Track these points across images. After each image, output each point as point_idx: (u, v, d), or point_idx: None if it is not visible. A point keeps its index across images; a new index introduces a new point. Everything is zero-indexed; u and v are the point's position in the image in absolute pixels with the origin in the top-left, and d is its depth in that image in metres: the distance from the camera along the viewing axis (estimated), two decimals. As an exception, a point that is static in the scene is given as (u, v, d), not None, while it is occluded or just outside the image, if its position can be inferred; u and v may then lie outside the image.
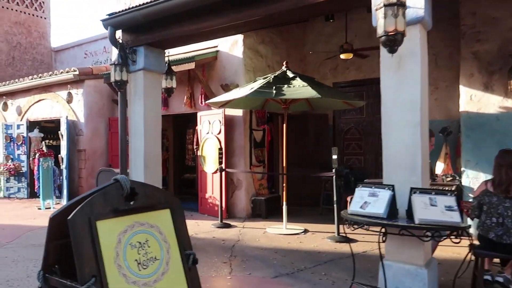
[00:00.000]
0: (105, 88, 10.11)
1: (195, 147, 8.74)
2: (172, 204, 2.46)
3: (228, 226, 7.15)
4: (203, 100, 8.38)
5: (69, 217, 1.84)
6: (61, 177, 9.71)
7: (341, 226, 6.08)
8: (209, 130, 8.23)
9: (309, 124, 9.16)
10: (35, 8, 16.22)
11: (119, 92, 5.60)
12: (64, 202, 9.55)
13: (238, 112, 8.03)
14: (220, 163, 7.44)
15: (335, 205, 6.11)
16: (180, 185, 11.58)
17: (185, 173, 11.64)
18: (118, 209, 2.14)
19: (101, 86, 10.03)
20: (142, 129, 5.48)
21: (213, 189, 8.18)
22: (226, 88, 8.00)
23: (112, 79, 5.29)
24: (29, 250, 5.56)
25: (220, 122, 7.95)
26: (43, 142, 9.49)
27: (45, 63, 16.33)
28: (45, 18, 16.63)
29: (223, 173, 7.57)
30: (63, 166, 9.53)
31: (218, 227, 7.08)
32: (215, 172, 8.03)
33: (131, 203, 2.14)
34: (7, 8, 15.29)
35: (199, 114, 8.54)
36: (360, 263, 4.89)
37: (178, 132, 11.52)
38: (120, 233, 2.19)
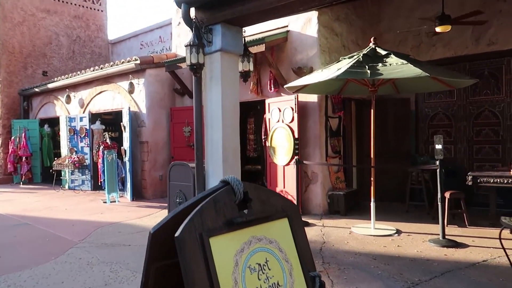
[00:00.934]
0: (166, 77, 9.71)
1: (263, 137, 8.09)
2: (289, 211, 1.84)
3: (306, 224, 6.46)
4: (272, 86, 7.69)
5: (176, 234, 1.38)
6: (124, 170, 9.49)
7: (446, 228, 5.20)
8: (279, 118, 7.54)
9: (389, 109, 8.20)
10: (93, 1, 16.27)
11: (194, 78, 5.02)
12: (127, 195, 9.32)
13: (312, 98, 7.27)
14: (296, 154, 6.75)
15: (439, 203, 5.21)
16: (241, 178, 11.01)
17: (247, 165, 11.07)
18: (233, 221, 1.56)
19: (162, 75, 9.64)
20: (220, 118, 4.89)
21: (284, 183, 7.51)
22: (299, 71, 7.25)
23: (188, 63, 4.72)
24: (102, 250, 5.19)
25: (292, 109, 7.23)
26: (106, 134, 9.28)
27: (102, 55, 16.40)
28: (101, 11, 16.67)
29: (299, 166, 6.88)
30: (126, 158, 9.28)
31: (295, 226, 6.40)
32: (287, 164, 7.36)
33: (245, 211, 1.60)
34: (67, 2, 15.43)
35: (267, 101, 7.87)
36: (487, 275, 4.02)
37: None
38: (237, 252, 1.63)
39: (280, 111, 7.55)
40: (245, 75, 5.38)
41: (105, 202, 8.91)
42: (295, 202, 7.14)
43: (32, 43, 14.44)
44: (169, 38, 13.89)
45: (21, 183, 12.88)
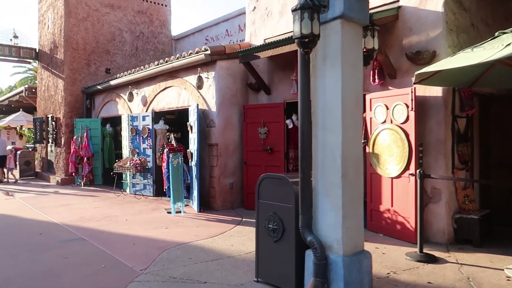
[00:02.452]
0: (239, 69, 8.43)
1: (361, 141, 6.47)
2: None
3: (433, 259, 4.79)
4: (376, 77, 6.09)
5: None
6: (189, 175, 8.33)
7: None
8: (387, 117, 5.93)
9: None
10: (156, -5, 15.56)
11: (300, 59, 3.56)
12: (194, 205, 8.14)
13: (433, 91, 5.58)
14: (421, 164, 5.10)
15: None
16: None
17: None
18: None
19: (234, 68, 8.37)
20: (339, 116, 3.40)
21: (392, 200, 5.88)
22: (416, 57, 5.60)
23: (296, 34, 3.29)
24: (170, 288, 3.92)
25: (407, 106, 5.58)
26: (172, 135, 8.16)
27: (165, 52, 15.62)
28: (165, 6, 15.91)
29: (414, 179, 5.25)
30: (193, 162, 8.11)
31: (418, 261, 4.77)
32: (398, 176, 5.73)
33: None
34: (131, -4, 14.81)
35: (368, 96, 6.28)
36: None
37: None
38: None
39: (387, 108, 5.92)
40: (367, 56, 3.88)
41: (169, 213, 7.78)
42: (409, 225, 5.49)
43: (96, 39, 13.92)
44: (237, 31, 12.71)
45: (82, 184, 12.29)
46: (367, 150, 6.31)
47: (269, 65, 8.14)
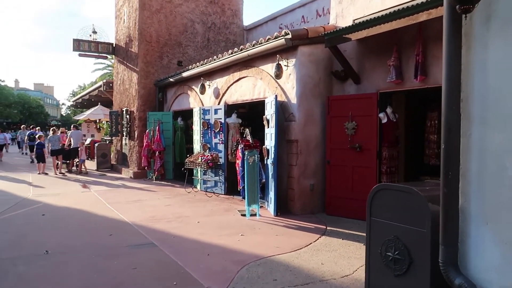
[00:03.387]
0: (322, 56, 7.43)
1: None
2: None
3: None
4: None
5: None
6: (264, 174, 7.52)
7: None
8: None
9: None
10: (228, -16, 14.98)
11: (447, 25, 2.50)
12: (270, 207, 7.32)
13: None
14: None
15: None
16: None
17: (423, 175, 8.17)
18: None
19: (317, 54, 7.38)
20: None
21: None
22: None
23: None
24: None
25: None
26: (247, 130, 7.41)
27: (237, 43, 14.98)
28: (237, -6, 15.29)
29: None
30: (269, 160, 7.28)
31: None
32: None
33: None
34: (203, -14, 14.37)
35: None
36: None
37: (410, 116, 8.04)
38: None
39: None
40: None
41: (244, 215, 7.05)
42: None
43: (168, 31, 13.66)
44: (314, 17, 11.64)
45: (154, 179, 12.10)
46: None
47: (359, 50, 7.02)
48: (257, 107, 10.62)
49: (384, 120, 6.68)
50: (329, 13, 11.13)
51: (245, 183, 6.90)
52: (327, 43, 6.66)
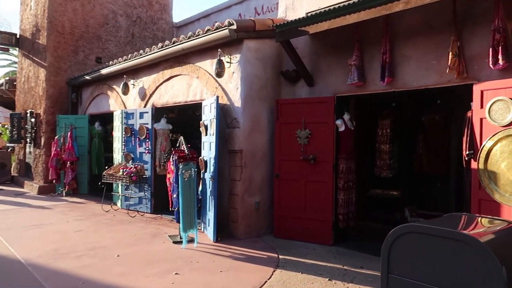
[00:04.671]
0: (270, 53, 6.44)
1: (465, 152, 4.52)
2: None
3: None
4: (498, 57, 4.11)
5: None
6: (200, 191, 6.29)
7: None
8: (510, 117, 3.98)
9: None
10: (157, -25, 13.51)
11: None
12: (208, 231, 6.09)
13: None
14: None
15: None
16: (365, 206, 7.50)
17: (374, 189, 7.55)
18: None
19: (264, 51, 6.37)
20: None
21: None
22: None
23: None
24: None
25: (558, 101, 3.63)
26: (182, 137, 6.12)
27: (166, 41, 13.52)
28: (166, -13, 13.87)
29: None
30: (208, 174, 6.08)
31: None
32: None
33: None
34: (127, -26, 12.73)
35: (477, 87, 4.33)
36: None
37: (359, 123, 7.32)
38: None
39: (514, 104, 3.97)
40: None
41: (176, 242, 5.75)
42: None
43: (85, 22, 11.79)
44: (252, 16, 10.69)
45: (64, 194, 10.16)
46: (475, 166, 4.35)
47: (313, 48, 6.14)
48: (188, 111, 9.34)
49: (342, 128, 5.86)
50: (270, 12, 10.30)
51: (180, 204, 5.60)
52: (279, 37, 5.67)
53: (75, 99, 11.30)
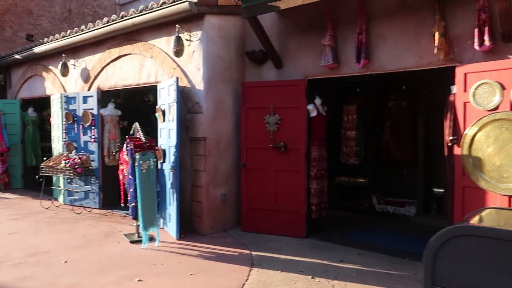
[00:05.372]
0: (234, 32, 5.90)
1: (448, 138, 4.33)
2: None
3: None
4: (483, 38, 3.93)
5: None
6: (160, 184, 5.66)
7: None
8: (501, 102, 3.84)
9: None
10: None
11: None
12: (170, 227, 5.52)
13: None
14: None
15: None
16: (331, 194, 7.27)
17: (339, 176, 7.36)
18: None
19: (228, 29, 5.80)
20: None
21: None
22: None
23: None
24: None
25: (549, 84, 3.51)
26: (137, 124, 5.40)
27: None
28: (108, -41, 12.63)
29: None
30: (167, 165, 5.49)
31: None
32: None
33: None
34: None
35: (461, 69, 4.14)
36: None
37: (329, 107, 6.99)
38: None
39: (504, 88, 3.82)
40: None
41: (134, 242, 5.12)
42: None
43: (13, -6, 10.36)
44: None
45: (-6, 190, 8.95)
46: (458, 152, 4.18)
47: (282, 27, 5.68)
48: (135, 96, 8.46)
49: (314, 114, 5.50)
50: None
51: (138, 198, 4.94)
52: (246, 13, 5.12)
53: (2, 81, 9.93)
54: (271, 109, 5.53)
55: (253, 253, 4.80)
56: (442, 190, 6.18)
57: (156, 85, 6.03)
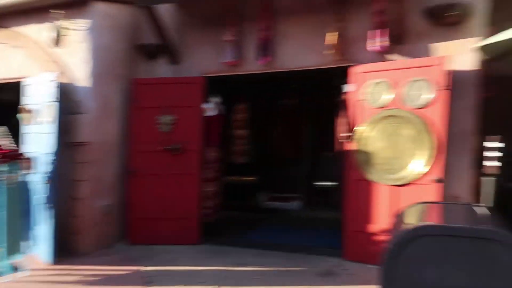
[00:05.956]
0: (125, 22, 5.29)
1: (341, 134, 4.45)
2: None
3: None
4: (378, 39, 4.15)
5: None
6: (28, 200, 4.68)
7: None
8: (392, 100, 4.07)
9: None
10: None
11: None
12: (42, 250, 4.57)
13: (458, 64, 3.98)
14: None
15: None
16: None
17: (230, 175, 7.19)
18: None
19: (118, 19, 5.18)
20: None
21: (399, 220, 4.02)
22: (444, 15, 3.90)
23: None
24: None
25: (433, 83, 3.84)
26: (3, 128, 4.38)
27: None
28: None
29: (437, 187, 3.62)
30: (40, 176, 4.57)
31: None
32: (410, 184, 3.94)
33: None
34: None
35: (356, 69, 4.32)
36: None
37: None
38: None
39: (394, 86, 4.06)
40: None
41: (-5, 272, 4.10)
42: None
43: None
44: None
45: None
46: (352, 147, 4.33)
47: (179, 19, 5.30)
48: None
49: (211, 113, 5.23)
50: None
51: (5, 219, 3.97)
52: (141, 1, 4.63)
53: None
54: (165, 108, 5.08)
55: (147, 268, 4.25)
56: (324, 184, 6.57)
57: (25, 80, 5.07)
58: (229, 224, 6.05)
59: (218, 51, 4.93)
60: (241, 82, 6.41)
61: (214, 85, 5.38)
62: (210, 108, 5.21)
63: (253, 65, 4.86)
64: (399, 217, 2.23)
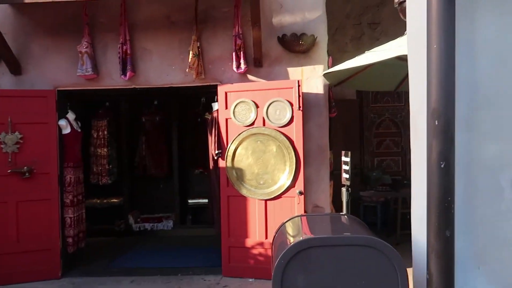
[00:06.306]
0: None
1: (213, 152, 4.57)
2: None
3: None
4: (239, 62, 4.41)
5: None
6: None
7: None
8: (256, 118, 4.39)
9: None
10: None
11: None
12: None
13: (312, 87, 4.55)
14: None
15: None
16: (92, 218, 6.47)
17: (92, 199, 6.62)
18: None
19: None
20: None
21: (267, 230, 4.40)
22: (293, 42, 4.39)
23: None
24: None
25: (291, 103, 4.29)
26: None
27: None
28: None
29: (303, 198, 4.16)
30: None
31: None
32: (278, 197, 4.35)
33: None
34: None
35: (222, 88, 4.51)
36: None
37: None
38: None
39: (257, 106, 4.38)
40: None
41: None
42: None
43: None
44: None
45: None
46: (222, 165, 4.52)
47: (21, 24, 4.63)
48: None
49: (67, 130, 4.72)
50: None
51: None
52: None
53: None
54: (9, 125, 4.38)
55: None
56: (196, 201, 6.60)
57: None
58: (96, 251, 5.54)
59: (73, 62, 4.49)
60: (103, 96, 6.02)
61: (72, 99, 4.88)
62: (67, 125, 4.69)
63: (115, 80, 4.57)
64: (279, 231, 2.43)
